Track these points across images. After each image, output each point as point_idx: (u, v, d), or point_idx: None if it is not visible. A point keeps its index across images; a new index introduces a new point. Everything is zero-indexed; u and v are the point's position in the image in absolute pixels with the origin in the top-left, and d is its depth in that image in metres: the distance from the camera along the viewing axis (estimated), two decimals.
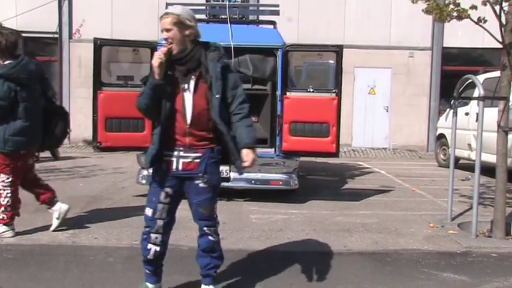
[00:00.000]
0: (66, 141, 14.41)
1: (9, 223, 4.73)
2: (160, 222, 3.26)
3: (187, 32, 3.14)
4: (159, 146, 3.18)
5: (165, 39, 3.12)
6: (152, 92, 3.13)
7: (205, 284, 3.38)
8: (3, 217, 4.70)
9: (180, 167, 3.19)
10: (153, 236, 3.27)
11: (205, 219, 3.29)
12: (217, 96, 3.12)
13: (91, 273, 3.88)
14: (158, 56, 3.07)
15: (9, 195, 4.66)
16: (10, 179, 4.64)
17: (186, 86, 3.16)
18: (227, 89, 3.18)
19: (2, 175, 4.62)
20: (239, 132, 3.17)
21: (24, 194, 6.62)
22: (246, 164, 3.13)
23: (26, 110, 4.55)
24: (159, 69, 3.08)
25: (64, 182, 8.10)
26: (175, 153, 3.20)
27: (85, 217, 5.60)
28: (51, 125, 4.85)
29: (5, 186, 4.63)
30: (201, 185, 3.20)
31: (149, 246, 3.28)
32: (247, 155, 3.12)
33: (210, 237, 3.31)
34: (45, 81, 4.93)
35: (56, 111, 4.99)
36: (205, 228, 3.30)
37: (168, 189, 3.24)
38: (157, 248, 3.29)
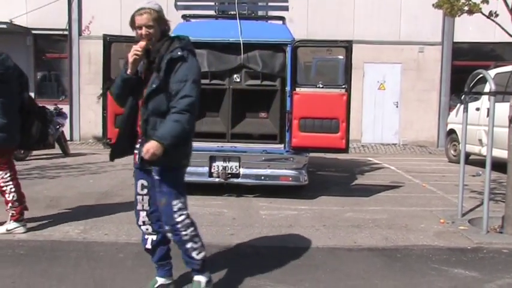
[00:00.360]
0: (76, 137, 14.58)
1: (19, 219, 4.77)
2: (143, 213, 3.32)
3: (166, 28, 3.17)
4: (116, 141, 3.28)
5: (146, 35, 3.06)
6: (122, 84, 3.18)
7: (194, 275, 3.32)
8: (12, 213, 4.75)
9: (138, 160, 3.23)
10: (143, 228, 3.35)
11: (163, 213, 3.19)
12: (153, 86, 3.07)
13: (101, 269, 3.91)
14: (135, 52, 3.06)
15: (12, 189, 4.71)
16: (8, 174, 4.69)
17: (148, 79, 3.17)
18: (172, 82, 3.04)
19: (0, 172, 4.66)
20: (162, 125, 3.05)
21: (35, 191, 6.68)
22: (142, 154, 3.01)
23: (2, 106, 4.55)
24: (132, 65, 3.09)
25: (74, 179, 8.17)
26: (138, 146, 3.23)
27: (95, 213, 5.63)
28: (27, 124, 4.85)
29: (6, 182, 4.69)
30: (156, 177, 3.17)
31: (146, 236, 3.37)
32: (146, 145, 2.97)
33: (168, 236, 3.27)
34: (24, 80, 4.91)
35: (33, 110, 4.95)
36: (159, 223, 3.27)
37: (142, 181, 3.30)
38: (154, 237, 3.34)
